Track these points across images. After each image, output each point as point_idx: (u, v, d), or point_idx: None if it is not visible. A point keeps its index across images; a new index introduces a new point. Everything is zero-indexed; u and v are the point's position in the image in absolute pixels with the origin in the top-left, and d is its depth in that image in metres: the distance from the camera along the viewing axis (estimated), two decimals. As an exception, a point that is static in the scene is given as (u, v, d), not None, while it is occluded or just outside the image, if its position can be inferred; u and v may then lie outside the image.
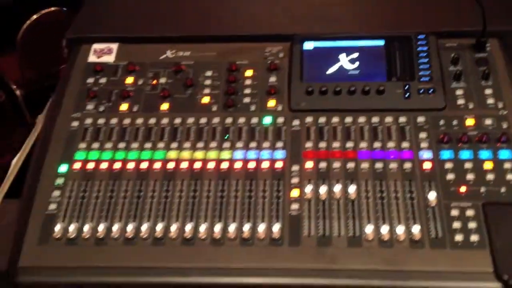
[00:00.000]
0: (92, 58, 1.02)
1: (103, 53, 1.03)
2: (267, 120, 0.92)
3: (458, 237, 0.78)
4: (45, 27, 2.29)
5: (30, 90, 2.45)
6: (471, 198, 0.81)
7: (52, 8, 2.30)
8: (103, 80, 0.99)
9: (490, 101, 0.89)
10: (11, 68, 2.47)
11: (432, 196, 0.81)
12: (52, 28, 2.29)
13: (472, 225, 0.78)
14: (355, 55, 0.95)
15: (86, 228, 0.82)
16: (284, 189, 0.84)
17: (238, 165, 0.87)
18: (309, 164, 0.86)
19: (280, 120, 0.92)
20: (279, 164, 0.87)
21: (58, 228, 0.82)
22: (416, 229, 0.78)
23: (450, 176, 0.83)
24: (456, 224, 0.79)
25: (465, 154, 0.84)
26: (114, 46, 1.04)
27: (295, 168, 0.86)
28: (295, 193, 0.84)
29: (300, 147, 0.88)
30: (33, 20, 2.27)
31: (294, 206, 0.83)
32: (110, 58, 1.02)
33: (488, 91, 0.90)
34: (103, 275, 0.80)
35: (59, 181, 0.88)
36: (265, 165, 0.87)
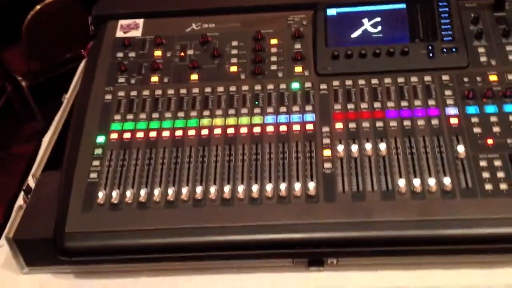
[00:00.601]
0: (119, 34, 1.05)
1: (130, 28, 1.06)
2: (295, 85, 0.95)
3: (488, 186, 0.81)
4: (49, 16, 2.31)
5: (35, 82, 2.47)
6: (498, 149, 0.84)
7: (56, -3, 2.32)
8: (132, 54, 1.02)
9: (512, 57, 0.92)
10: (16, 60, 2.49)
11: (460, 149, 0.84)
12: (56, 17, 2.31)
13: (500, 174, 0.82)
14: (378, 19, 0.98)
15: (128, 193, 0.85)
16: (316, 150, 0.88)
17: (270, 129, 0.90)
18: (339, 125, 0.89)
19: (308, 84, 0.95)
20: (309, 127, 0.90)
21: (101, 194, 0.86)
22: (447, 180, 0.81)
23: (477, 130, 0.86)
24: (485, 174, 0.82)
25: (490, 108, 0.88)
26: (140, 21, 1.06)
27: (326, 129, 0.89)
28: (327, 152, 0.87)
29: (329, 110, 0.91)
30: (37, 10, 2.29)
31: (327, 165, 0.86)
32: (137, 33, 1.05)
33: (509, 48, 0.93)
34: (147, 237, 0.83)
35: (98, 151, 0.91)
36: (296, 128, 0.90)
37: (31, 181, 0.95)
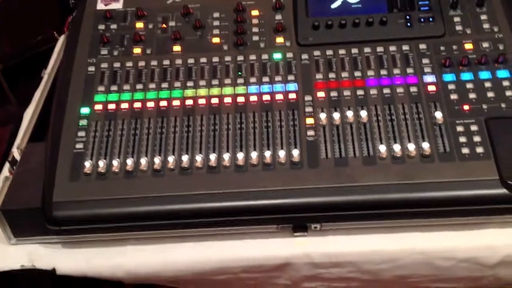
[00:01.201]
0: (100, 6, 1.05)
1: (111, 0, 1.06)
2: (277, 55, 0.96)
3: (465, 150, 0.84)
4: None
5: (8, 65, 2.43)
6: (474, 115, 0.87)
7: (26, -21, 2.28)
8: (114, 26, 1.02)
9: (486, 26, 0.95)
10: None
11: (438, 115, 0.87)
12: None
13: (476, 138, 0.85)
14: (357, -11, 1.00)
15: (115, 163, 0.86)
16: (299, 118, 0.90)
17: (253, 98, 0.92)
18: (320, 94, 0.92)
19: (290, 55, 0.96)
20: (292, 96, 0.92)
21: (87, 164, 0.86)
22: (425, 145, 0.84)
23: (454, 96, 0.89)
24: (462, 139, 0.85)
25: (466, 75, 0.91)
26: (121, -6, 1.07)
27: (308, 98, 0.91)
28: (310, 120, 0.89)
29: (311, 79, 0.93)
30: (7, -8, 2.25)
31: (310, 132, 0.88)
32: (118, 5, 1.05)
33: (483, 17, 0.96)
34: (135, 205, 0.84)
35: (83, 122, 0.91)
36: (279, 97, 0.92)
37: (16, 153, 0.95)
